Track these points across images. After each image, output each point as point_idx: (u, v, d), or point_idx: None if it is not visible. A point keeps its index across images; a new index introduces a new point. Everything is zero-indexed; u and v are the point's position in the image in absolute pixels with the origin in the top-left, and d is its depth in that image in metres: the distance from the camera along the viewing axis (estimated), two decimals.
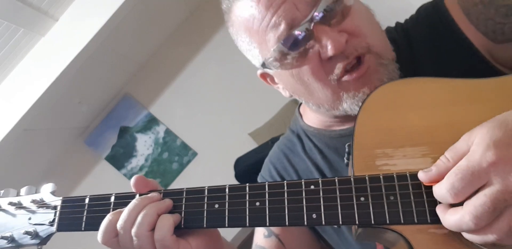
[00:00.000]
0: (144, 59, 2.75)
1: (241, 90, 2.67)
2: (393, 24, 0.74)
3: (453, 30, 0.63)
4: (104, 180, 2.75)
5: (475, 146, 0.41)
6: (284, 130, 0.87)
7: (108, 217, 0.54)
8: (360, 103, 0.59)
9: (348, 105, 0.62)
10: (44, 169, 2.68)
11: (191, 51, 2.77)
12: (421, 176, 0.46)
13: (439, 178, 0.44)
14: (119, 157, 2.76)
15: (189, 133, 2.75)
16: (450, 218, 0.42)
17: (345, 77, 0.59)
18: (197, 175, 2.72)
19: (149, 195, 0.56)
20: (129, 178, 2.75)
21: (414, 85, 0.55)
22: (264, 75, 0.71)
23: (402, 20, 0.74)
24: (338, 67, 0.58)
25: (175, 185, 2.73)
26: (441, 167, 0.44)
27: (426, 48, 0.66)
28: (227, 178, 2.20)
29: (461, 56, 0.63)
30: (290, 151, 0.79)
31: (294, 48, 0.58)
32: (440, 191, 0.42)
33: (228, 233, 2.47)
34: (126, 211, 0.53)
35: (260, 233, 0.77)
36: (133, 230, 0.51)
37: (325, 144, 0.73)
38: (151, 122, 2.76)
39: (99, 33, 1.91)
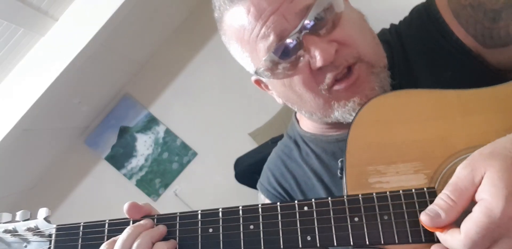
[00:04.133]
0: (144, 59, 2.75)
1: (241, 90, 2.67)
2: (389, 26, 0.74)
3: (444, 31, 0.63)
4: (104, 180, 2.75)
5: (487, 195, 0.40)
6: (284, 130, 0.87)
7: (102, 248, 0.54)
8: (352, 112, 0.60)
9: (339, 114, 0.62)
10: (44, 169, 2.68)
11: (190, 51, 2.76)
12: (426, 221, 0.44)
13: (448, 223, 0.43)
14: (119, 157, 2.76)
15: (189, 133, 2.75)
16: None
17: (336, 87, 0.59)
18: (197, 175, 2.72)
19: (141, 222, 0.56)
20: (129, 178, 2.75)
21: (405, 98, 0.55)
22: (258, 82, 0.72)
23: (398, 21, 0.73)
24: (328, 77, 0.58)
25: (175, 185, 2.73)
26: (449, 211, 0.42)
27: (419, 50, 0.66)
28: (227, 178, 2.20)
29: (455, 57, 0.63)
30: (287, 156, 0.79)
31: (284, 57, 0.58)
32: (456, 245, 0.41)
33: None
34: (120, 241, 0.53)
35: None
36: None
37: (322, 149, 0.73)
38: (151, 122, 2.76)
39: (99, 33, 1.91)
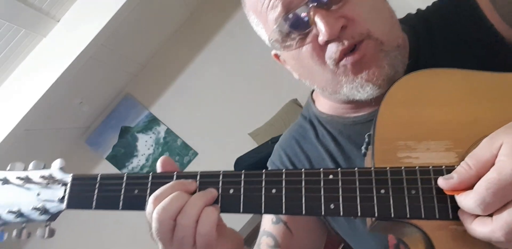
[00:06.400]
0: (145, 60, 2.76)
1: (241, 90, 2.68)
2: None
3: (478, 17, 0.62)
4: None
5: (503, 156, 0.40)
6: (284, 129, 0.87)
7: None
8: (360, 89, 0.59)
9: (348, 90, 0.61)
10: None
11: (191, 52, 2.77)
12: (442, 183, 0.45)
13: (460, 186, 0.43)
14: (120, 157, 2.77)
15: (189, 133, 2.76)
16: (477, 229, 0.42)
17: (342, 62, 0.59)
18: None
19: (189, 181, 0.54)
20: None
21: (439, 77, 0.54)
22: (277, 56, 0.72)
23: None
24: (335, 52, 0.58)
25: None
26: (463, 174, 0.43)
27: (448, 35, 0.65)
28: None
29: (485, 45, 0.62)
30: (302, 137, 0.78)
31: (292, 29, 0.59)
32: (469, 204, 0.42)
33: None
34: (168, 201, 0.50)
35: (268, 219, 0.77)
36: (182, 220, 0.50)
37: (339, 131, 0.72)
38: (152, 122, 2.77)
39: (100, 34, 1.92)
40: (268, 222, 0.77)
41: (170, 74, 2.79)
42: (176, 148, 2.75)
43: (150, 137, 2.77)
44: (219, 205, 0.52)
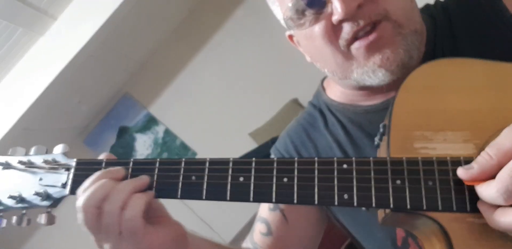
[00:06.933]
0: (143, 59, 2.74)
1: (241, 90, 2.67)
2: None
3: (498, 7, 0.62)
4: None
5: None
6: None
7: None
8: (371, 74, 0.58)
9: (358, 75, 0.60)
10: None
11: (191, 51, 2.76)
12: (461, 173, 0.44)
13: (480, 176, 0.42)
14: (118, 157, 2.75)
15: (188, 133, 2.74)
16: (500, 220, 0.41)
17: (355, 44, 0.57)
18: None
19: (111, 169, 0.54)
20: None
21: (459, 66, 0.53)
22: (291, 37, 0.71)
23: None
24: (348, 33, 0.56)
25: None
26: (483, 164, 0.42)
27: (468, 26, 0.64)
28: None
29: (505, 36, 0.61)
30: (310, 125, 0.77)
31: (308, 7, 0.57)
32: (491, 193, 0.41)
33: (232, 231, 2.47)
34: (94, 191, 0.50)
35: (265, 205, 0.76)
36: (106, 207, 0.49)
37: (349, 119, 0.71)
38: (150, 122, 2.76)
39: (98, 32, 1.90)
40: (265, 208, 0.75)
41: (169, 73, 2.77)
42: (175, 148, 2.73)
43: (149, 137, 2.75)
44: (229, 193, 0.51)
